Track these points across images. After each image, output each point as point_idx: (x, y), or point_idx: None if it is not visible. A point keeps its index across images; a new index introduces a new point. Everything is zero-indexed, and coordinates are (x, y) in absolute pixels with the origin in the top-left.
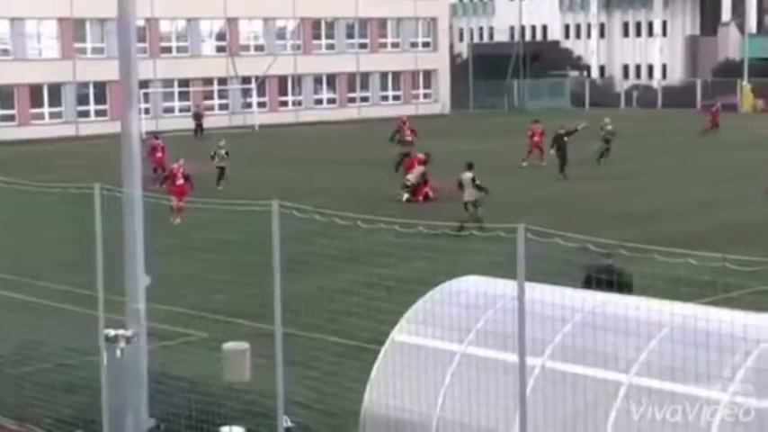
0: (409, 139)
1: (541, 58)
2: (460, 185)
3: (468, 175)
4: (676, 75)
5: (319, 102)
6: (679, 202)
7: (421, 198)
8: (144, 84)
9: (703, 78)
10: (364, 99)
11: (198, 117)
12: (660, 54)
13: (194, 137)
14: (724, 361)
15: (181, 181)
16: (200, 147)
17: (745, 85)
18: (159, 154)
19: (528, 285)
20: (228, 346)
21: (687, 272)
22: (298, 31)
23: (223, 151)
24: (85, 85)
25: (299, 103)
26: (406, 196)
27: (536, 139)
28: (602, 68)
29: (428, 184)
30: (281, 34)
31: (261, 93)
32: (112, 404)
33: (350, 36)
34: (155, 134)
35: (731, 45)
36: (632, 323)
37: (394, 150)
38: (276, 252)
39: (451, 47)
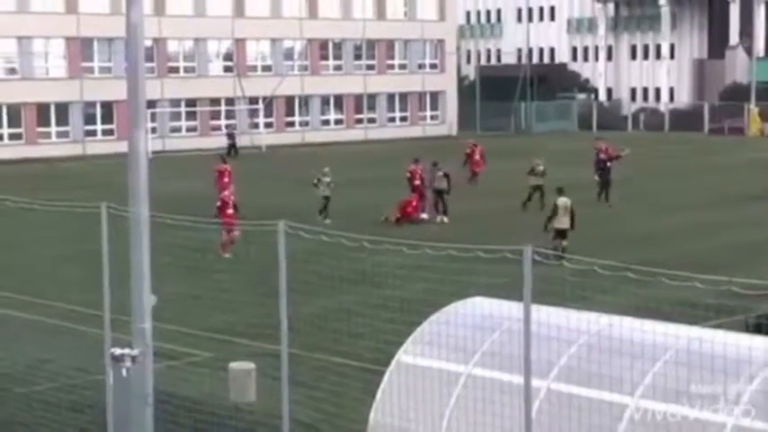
0: (542, 168)
1: (549, 80)
2: (555, 211)
3: (567, 201)
4: (684, 98)
5: (326, 122)
6: (686, 224)
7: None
8: (151, 103)
9: (711, 102)
10: (371, 120)
11: (231, 137)
12: (667, 77)
13: (228, 156)
14: (729, 384)
15: (230, 210)
16: (235, 167)
17: (753, 108)
18: (226, 179)
19: (534, 307)
20: (234, 366)
21: (693, 294)
22: (305, 51)
23: (328, 179)
24: (92, 104)
25: (307, 124)
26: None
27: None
28: (609, 91)
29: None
30: (288, 55)
31: (268, 113)
32: (118, 424)
33: (357, 57)
34: (222, 158)
35: (739, 68)
36: (637, 346)
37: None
38: (282, 272)
39: (459, 69)
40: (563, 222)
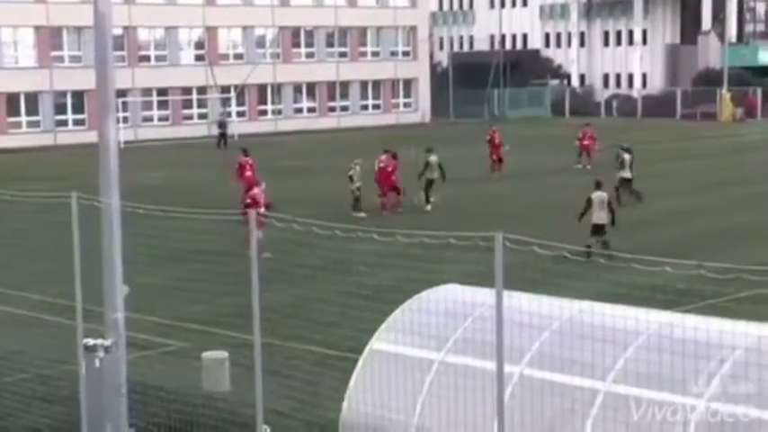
0: (628, 157)
1: (522, 66)
2: (589, 205)
3: (603, 195)
4: (656, 83)
5: (299, 110)
6: (658, 211)
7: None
8: (122, 93)
9: (683, 87)
10: (344, 108)
11: (222, 126)
12: (640, 63)
13: (217, 147)
14: (700, 368)
15: (262, 209)
16: (227, 157)
17: (725, 93)
18: (248, 173)
19: (506, 294)
20: (208, 355)
21: (664, 280)
22: (277, 39)
23: (358, 168)
24: (63, 94)
25: (279, 112)
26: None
27: (585, 142)
28: (582, 77)
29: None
30: (260, 43)
31: (240, 102)
32: (91, 414)
33: (330, 45)
34: (243, 150)
35: (711, 54)
36: (609, 331)
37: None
38: (254, 261)
39: (431, 56)
40: (599, 217)
